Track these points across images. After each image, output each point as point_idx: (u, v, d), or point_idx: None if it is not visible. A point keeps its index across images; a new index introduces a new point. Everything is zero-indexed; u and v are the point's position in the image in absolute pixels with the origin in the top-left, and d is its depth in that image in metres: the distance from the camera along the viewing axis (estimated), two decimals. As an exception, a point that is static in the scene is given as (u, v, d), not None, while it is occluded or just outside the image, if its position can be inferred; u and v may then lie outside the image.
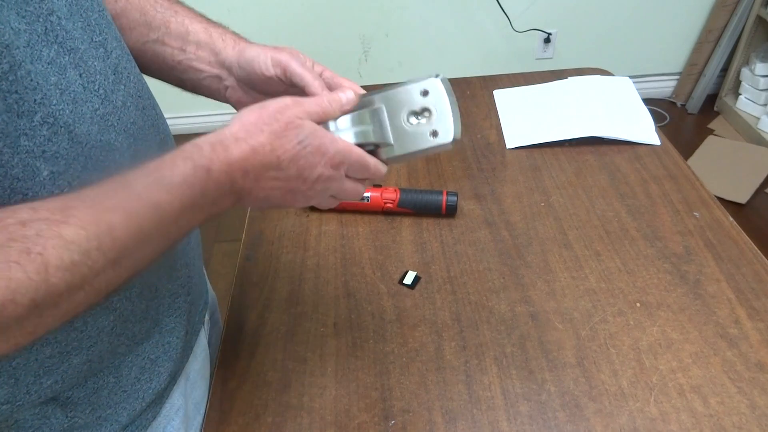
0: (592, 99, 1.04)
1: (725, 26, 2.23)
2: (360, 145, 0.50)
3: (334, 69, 0.56)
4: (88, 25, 0.44)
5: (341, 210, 0.86)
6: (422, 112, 0.50)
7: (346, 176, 0.49)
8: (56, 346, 0.44)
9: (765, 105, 2.19)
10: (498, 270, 0.75)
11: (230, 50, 0.56)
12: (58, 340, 0.44)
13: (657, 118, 1.74)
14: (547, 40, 2.33)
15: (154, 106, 0.53)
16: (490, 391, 0.62)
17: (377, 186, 0.85)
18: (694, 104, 2.41)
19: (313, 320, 0.71)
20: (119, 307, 0.48)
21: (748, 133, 2.21)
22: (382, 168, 0.51)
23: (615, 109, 1.01)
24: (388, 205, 0.83)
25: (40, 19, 0.39)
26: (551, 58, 2.39)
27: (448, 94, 0.50)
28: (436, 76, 0.50)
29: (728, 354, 0.64)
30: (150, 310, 0.53)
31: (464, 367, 0.65)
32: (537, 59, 2.40)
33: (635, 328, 0.67)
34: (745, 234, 0.78)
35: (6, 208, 0.33)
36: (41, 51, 0.39)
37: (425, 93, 0.50)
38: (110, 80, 0.45)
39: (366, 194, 0.84)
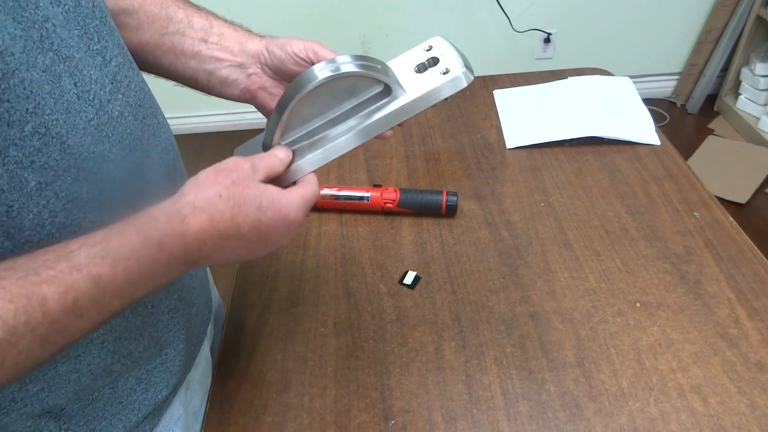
0: (592, 99, 1.04)
1: (725, 26, 2.23)
2: (367, 133, 0.51)
3: (335, 69, 0.56)
4: (86, 33, 0.44)
5: (341, 210, 0.86)
6: (428, 64, 0.52)
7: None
8: None
9: (765, 105, 2.19)
10: (498, 270, 0.75)
11: (257, 40, 0.57)
12: None
13: (657, 118, 1.74)
14: (547, 40, 2.33)
15: (156, 114, 0.52)
16: (490, 391, 0.62)
17: (377, 186, 0.85)
18: (694, 104, 2.41)
19: (313, 320, 0.71)
20: (110, 322, 0.46)
21: (748, 133, 2.21)
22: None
23: (615, 109, 1.01)
24: (388, 205, 0.83)
25: (36, 26, 0.38)
26: (551, 58, 2.39)
27: (452, 44, 0.52)
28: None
29: (728, 354, 0.64)
30: (147, 327, 0.51)
31: (464, 367, 0.65)
32: (537, 59, 2.40)
33: (635, 328, 0.67)
34: (745, 234, 0.78)
35: None
36: (36, 58, 0.38)
37: (429, 48, 0.52)
38: (107, 90, 0.44)
39: (366, 194, 0.84)
